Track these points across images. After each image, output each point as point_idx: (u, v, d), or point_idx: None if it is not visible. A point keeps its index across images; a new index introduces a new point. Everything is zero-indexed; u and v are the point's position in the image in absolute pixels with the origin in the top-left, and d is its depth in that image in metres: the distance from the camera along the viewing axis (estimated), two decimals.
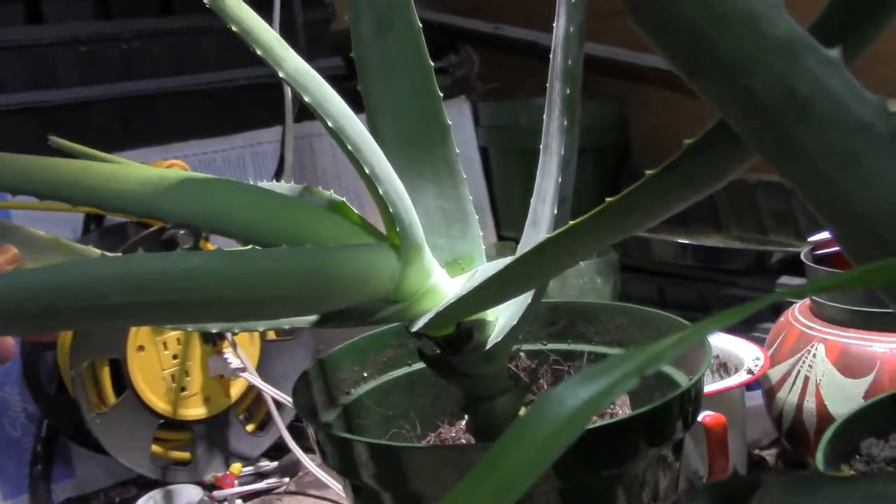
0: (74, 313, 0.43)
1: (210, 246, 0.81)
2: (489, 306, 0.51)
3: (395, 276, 0.50)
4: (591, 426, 0.49)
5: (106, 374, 0.77)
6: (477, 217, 0.57)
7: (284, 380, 0.85)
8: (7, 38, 0.87)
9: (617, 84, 1.20)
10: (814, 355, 0.72)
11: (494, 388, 0.54)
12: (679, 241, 1.06)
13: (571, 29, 0.50)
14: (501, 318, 0.53)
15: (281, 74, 0.46)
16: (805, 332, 0.73)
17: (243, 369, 0.80)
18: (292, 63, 0.47)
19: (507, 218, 1.20)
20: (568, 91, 0.51)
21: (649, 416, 0.48)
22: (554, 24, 0.54)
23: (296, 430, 0.85)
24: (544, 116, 0.56)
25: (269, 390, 0.81)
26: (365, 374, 0.64)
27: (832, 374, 0.70)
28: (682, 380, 0.58)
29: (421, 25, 0.57)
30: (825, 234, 0.79)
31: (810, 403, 0.71)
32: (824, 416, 0.70)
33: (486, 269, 0.52)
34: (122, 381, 0.78)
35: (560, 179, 0.51)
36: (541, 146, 0.56)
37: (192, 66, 0.98)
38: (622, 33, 1.16)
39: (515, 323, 0.52)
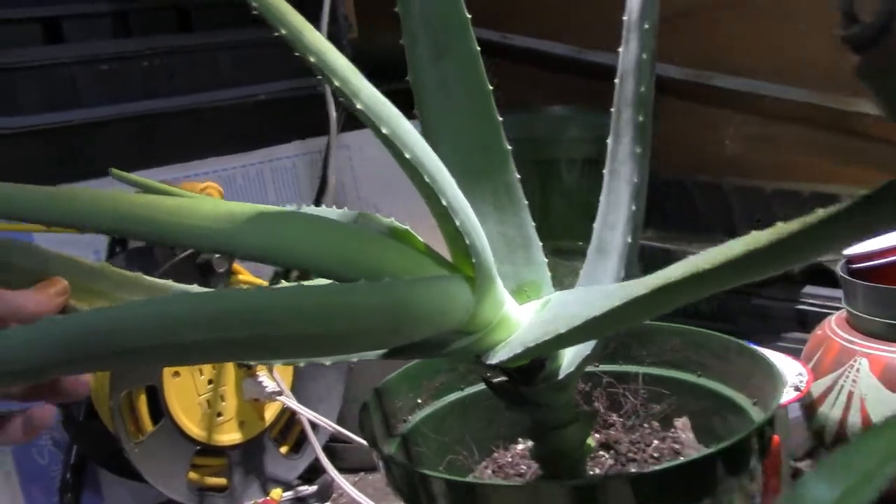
0: (152, 352, 0.43)
1: (242, 270, 0.80)
2: (576, 344, 0.50)
3: (469, 308, 0.49)
4: (674, 463, 0.49)
5: (143, 402, 0.75)
6: (540, 244, 0.57)
7: (319, 401, 0.84)
8: (26, 58, 0.85)
9: None
10: (857, 370, 0.72)
11: (564, 417, 0.54)
12: (695, 251, 1.05)
13: (644, 55, 0.50)
14: (573, 347, 0.53)
15: (358, 106, 0.45)
16: (846, 347, 0.73)
17: (279, 392, 0.79)
18: (368, 94, 0.46)
19: None
20: (641, 118, 0.51)
21: (731, 450, 0.48)
22: (620, 49, 0.53)
23: (330, 450, 0.85)
24: (608, 141, 0.56)
25: (305, 412, 0.80)
26: (419, 401, 0.63)
27: (878, 389, 0.70)
28: (745, 402, 0.58)
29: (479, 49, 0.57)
30: (860, 248, 0.79)
31: (855, 418, 0.71)
32: None
33: (560, 299, 0.52)
34: (157, 408, 0.76)
35: (634, 208, 0.51)
36: (605, 171, 0.56)
37: (211, 82, 0.97)
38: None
39: (588, 353, 0.52)
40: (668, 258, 1.19)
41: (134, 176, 0.50)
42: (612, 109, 0.55)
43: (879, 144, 0.94)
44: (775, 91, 1.07)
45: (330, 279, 0.49)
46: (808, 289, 0.98)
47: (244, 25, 0.98)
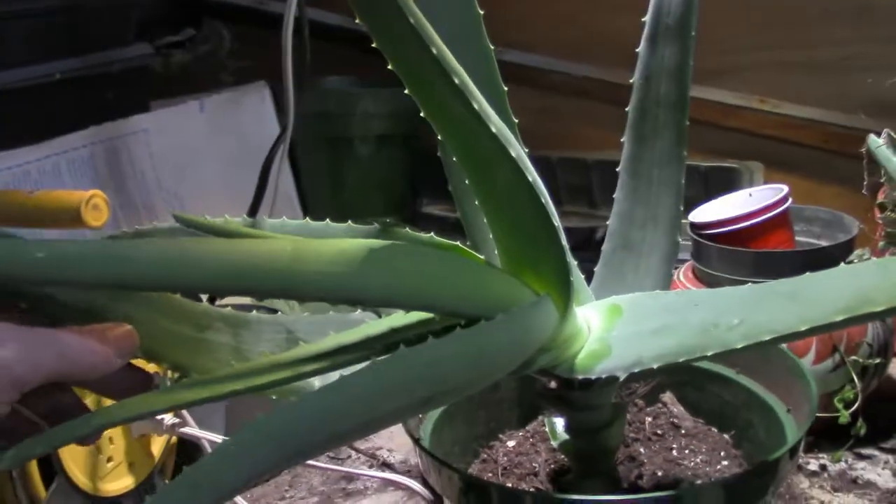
0: (354, 432, 0.38)
1: None
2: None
3: (556, 326, 0.49)
4: (763, 461, 0.52)
5: (34, 465, 0.63)
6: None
7: (202, 425, 0.76)
8: None
9: None
10: None
11: (609, 416, 0.55)
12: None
13: (691, 62, 0.52)
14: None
15: (493, 130, 0.42)
16: None
17: (181, 423, 0.70)
18: (497, 120, 0.43)
19: (315, 206, 1.15)
20: (687, 122, 0.53)
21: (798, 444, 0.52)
22: (640, 50, 0.54)
23: None
24: (623, 140, 0.57)
25: (206, 436, 0.72)
26: (420, 416, 0.60)
27: None
28: (726, 371, 0.63)
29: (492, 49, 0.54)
30: (706, 215, 0.88)
31: None
32: None
33: (637, 306, 0.52)
34: (47, 468, 0.64)
35: (681, 208, 0.53)
36: (620, 170, 0.57)
37: None
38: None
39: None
40: (444, 225, 1.23)
41: (203, 218, 0.41)
42: (628, 109, 0.56)
43: None
44: (559, 66, 1.13)
45: (443, 315, 0.45)
46: None
47: None
